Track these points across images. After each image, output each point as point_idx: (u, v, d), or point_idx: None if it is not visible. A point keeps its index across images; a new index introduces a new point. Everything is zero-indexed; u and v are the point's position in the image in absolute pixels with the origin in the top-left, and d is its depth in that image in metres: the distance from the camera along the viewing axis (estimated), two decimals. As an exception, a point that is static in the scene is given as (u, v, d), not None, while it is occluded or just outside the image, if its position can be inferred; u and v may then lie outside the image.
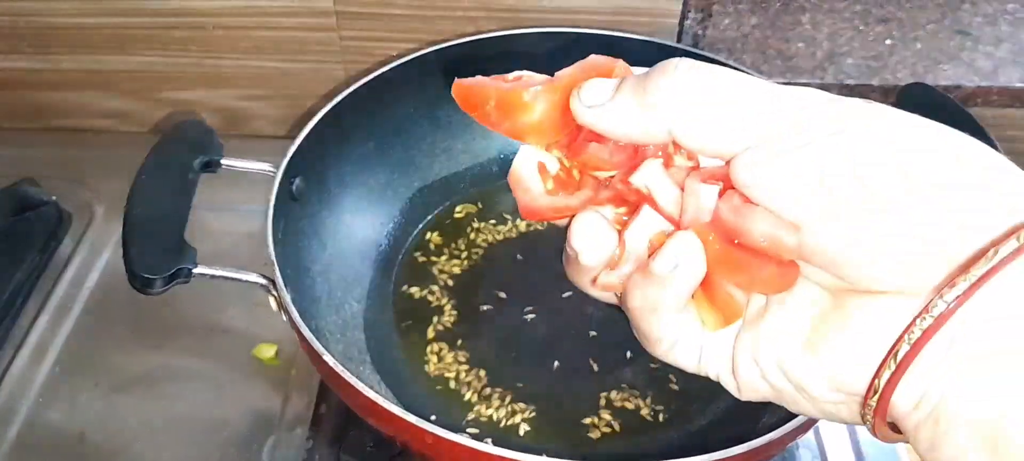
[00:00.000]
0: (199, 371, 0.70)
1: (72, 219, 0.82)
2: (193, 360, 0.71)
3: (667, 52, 0.71)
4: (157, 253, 0.51)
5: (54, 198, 0.81)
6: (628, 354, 0.65)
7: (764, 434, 0.46)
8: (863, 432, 0.62)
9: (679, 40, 0.83)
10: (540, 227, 0.74)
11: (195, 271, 0.52)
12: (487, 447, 0.44)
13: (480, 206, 0.76)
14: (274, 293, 0.53)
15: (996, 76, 0.90)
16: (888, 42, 0.95)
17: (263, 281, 0.53)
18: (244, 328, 0.72)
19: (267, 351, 0.70)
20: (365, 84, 0.67)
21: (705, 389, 0.45)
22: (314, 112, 0.65)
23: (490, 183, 0.76)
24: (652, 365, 0.64)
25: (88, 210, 0.83)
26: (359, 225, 0.69)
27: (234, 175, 0.62)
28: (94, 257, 0.79)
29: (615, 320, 0.52)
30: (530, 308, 0.68)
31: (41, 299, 0.74)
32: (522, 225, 0.75)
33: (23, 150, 0.85)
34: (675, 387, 0.63)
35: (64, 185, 0.84)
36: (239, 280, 0.53)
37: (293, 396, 0.67)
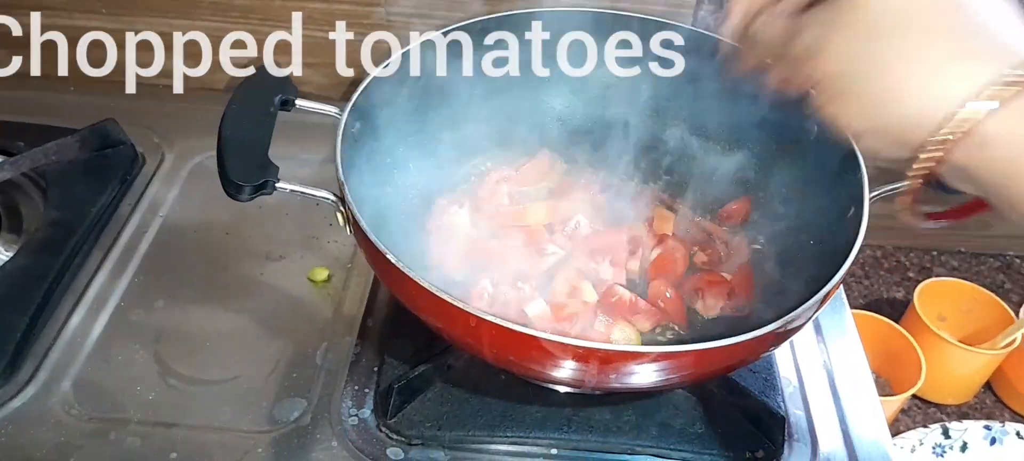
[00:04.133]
0: (260, 290, 0.79)
1: (145, 160, 0.92)
2: (254, 282, 0.80)
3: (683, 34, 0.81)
4: (246, 166, 0.61)
5: (130, 140, 0.91)
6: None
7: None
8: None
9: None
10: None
11: (278, 185, 0.61)
12: (529, 329, 0.53)
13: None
14: (342, 208, 0.63)
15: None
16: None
17: (333, 197, 0.63)
18: (299, 258, 0.82)
19: (320, 274, 0.80)
20: (417, 47, 0.77)
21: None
22: (359, 81, 0.74)
23: (516, 142, 0.85)
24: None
25: (159, 154, 0.94)
26: (406, 167, 0.79)
27: (297, 133, 0.71)
28: (165, 192, 0.89)
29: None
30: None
31: (120, 224, 0.84)
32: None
33: (104, 98, 0.95)
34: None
35: (138, 131, 0.94)
36: (314, 195, 0.63)
37: (343, 311, 0.77)
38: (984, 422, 0.94)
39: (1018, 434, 0.93)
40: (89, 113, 0.92)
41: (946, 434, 0.93)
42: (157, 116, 0.98)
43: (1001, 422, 0.94)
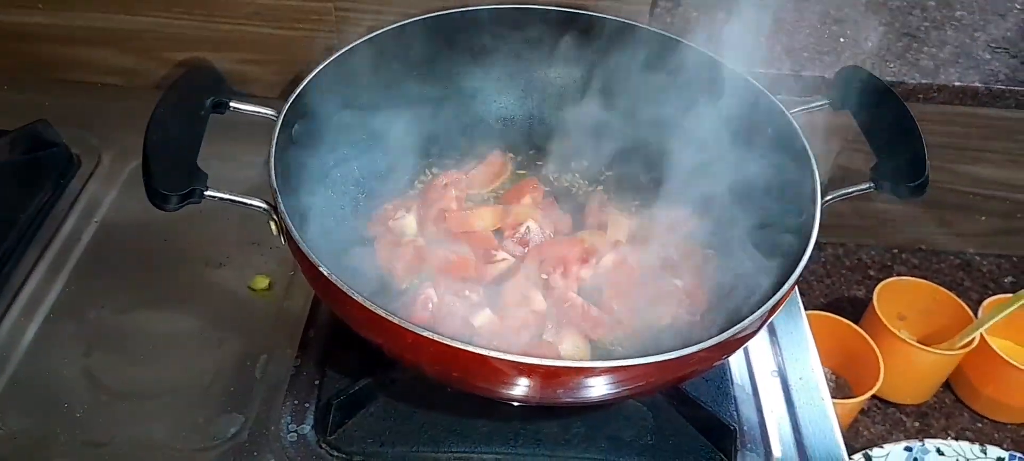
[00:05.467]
0: (198, 299, 0.76)
1: (81, 162, 0.88)
2: (192, 290, 0.77)
3: (638, 34, 0.79)
4: (173, 174, 0.58)
5: (64, 142, 0.87)
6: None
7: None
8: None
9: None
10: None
11: (206, 193, 0.59)
12: (471, 346, 0.51)
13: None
14: (275, 217, 0.60)
15: (937, 75, 0.99)
16: (842, 40, 1.03)
17: (265, 206, 0.60)
18: (240, 264, 0.79)
19: (261, 283, 0.77)
20: (360, 44, 0.74)
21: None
22: (305, 78, 0.71)
23: (464, 144, 0.84)
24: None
25: (95, 154, 0.90)
26: (349, 170, 0.76)
27: (238, 131, 0.68)
28: (102, 195, 0.85)
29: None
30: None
31: (53, 229, 0.81)
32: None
33: (37, 97, 0.91)
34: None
35: (74, 131, 0.90)
36: (245, 204, 0.60)
37: (284, 321, 0.74)
38: (905, 444, 0.93)
39: (938, 451, 0.92)
40: (22, 112, 0.88)
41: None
42: (96, 116, 0.95)
43: (920, 440, 0.93)
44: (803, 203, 0.64)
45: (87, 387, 0.68)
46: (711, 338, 0.54)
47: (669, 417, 0.68)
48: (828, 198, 0.64)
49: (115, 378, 0.69)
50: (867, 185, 0.65)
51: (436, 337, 0.52)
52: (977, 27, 1.07)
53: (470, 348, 0.51)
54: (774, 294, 0.58)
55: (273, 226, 0.61)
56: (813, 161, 0.66)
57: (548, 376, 0.54)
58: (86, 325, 0.73)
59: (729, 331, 0.55)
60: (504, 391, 0.57)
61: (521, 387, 0.55)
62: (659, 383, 0.61)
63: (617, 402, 0.67)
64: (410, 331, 0.52)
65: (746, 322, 0.55)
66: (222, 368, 0.70)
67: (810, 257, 0.60)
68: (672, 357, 0.52)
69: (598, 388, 0.56)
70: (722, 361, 0.71)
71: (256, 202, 0.60)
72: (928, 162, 0.64)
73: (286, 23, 0.97)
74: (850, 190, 0.65)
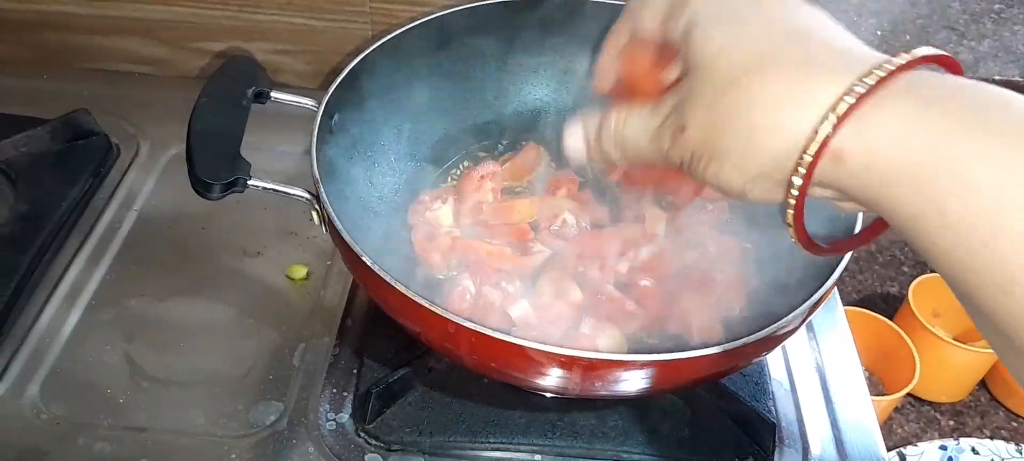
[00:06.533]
0: (237, 287, 0.77)
1: (120, 151, 0.89)
2: (231, 279, 0.78)
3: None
4: (217, 163, 0.58)
5: (103, 130, 0.88)
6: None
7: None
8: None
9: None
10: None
11: (250, 182, 0.59)
12: (510, 337, 0.51)
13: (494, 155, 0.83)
14: (317, 206, 0.60)
15: (977, 68, 0.98)
16: (879, 33, 1.02)
17: (307, 195, 0.61)
18: (277, 254, 0.80)
19: (299, 272, 0.77)
20: (397, 35, 0.74)
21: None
22: (340, 70, 0.71)
23: (499, 136, 0.84)
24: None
25: (134, 144, 0.91)
26: (387, 161, 0.76)
27: (276, 122, 0.68)
28: (141, 184, 0.86)
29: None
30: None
31: (93, 218, 0.82)
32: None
33: (75, 86, 0.92)
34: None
35: (111, 120, 0.91)
36: (288, 193, 0.60)
37: (322, 310, 0.74)
38: (939, 442, 0.92)
39: (973, 450, 0.91)
40: (62, 101, 0.89)
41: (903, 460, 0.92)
42: (133, 105, 0.95)
43: (955, 439, 0.92)
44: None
45: (128, 374, 0.69)
46: (751, 334, 0.53)
47: (707, 411, 0.67)
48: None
49: (155, 365, 0.70)
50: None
51: (476, 327, 0.52)
52: (1016, 21, 1.06)
53: (509, 338, 0.51)
54: (815, 291, 0.57)
55: (315, 216, 0.61)
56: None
57: (587, 368, 0.53)
58: (126, 313, 0.74)
59: (769, 328, 0.54)
60: (541, 382, 0.57)
61: (559, 379, 0.55)
62: (697, 378, 0.60)
63: (655, 396, 0.67)
64: (451, 320, 0.52)
65: (786, 319, 0.55)
66: (260, 356, 0.71)
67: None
68: (711, 352, 0.52)
69: (636, 382, 0.56)
70: (761, 358, 0.70)
71: (299, 191, 0.61)
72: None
73: (320, 14, 0.97)
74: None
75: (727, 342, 0.52)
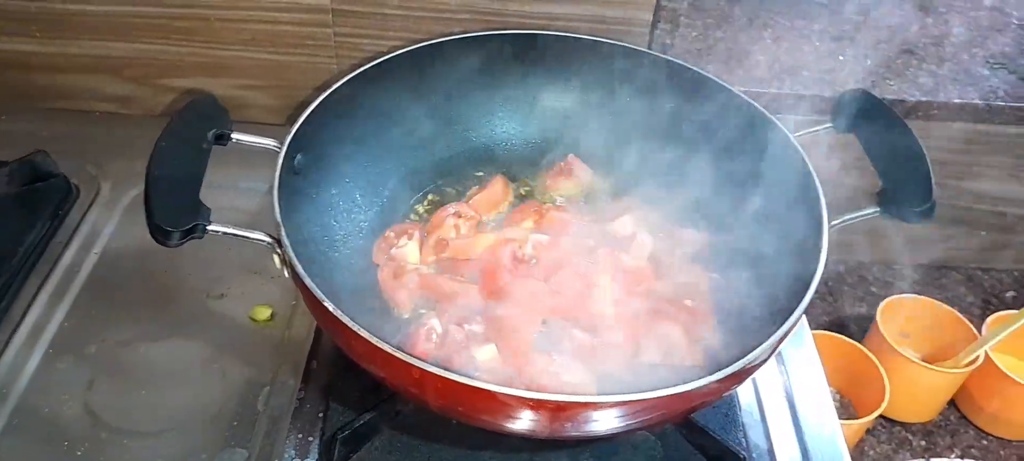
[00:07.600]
0: (199, 330, 0.75)
1: (79, 192, 0.87)
2: (194, 321, 0.76)
3: (636, 57, 0.79)
4: (175, 209, 0.57)
5: (62, 172, 0.87)
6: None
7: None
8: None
9: (649, 47, 0.90)
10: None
11: (209, 227, 0.58)
12: (477, 382, 0.50)
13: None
14: (279, 251, 0.59)
15: (936, 92, 0.99)
16: (841, 58, 1.03)
17: (268, 239, 0.60)
18: (240, 294, 0.78)
19: (263, 313, 0.76)
20: (361, 73, 0.74)
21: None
22: (307, 103, 0.71)
23: (464, 169, 0.84)
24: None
25: (95, 185, 0.89)
26: (352, 198, 0.76)
27: (239, 158, 0.68)
28: (101, 226, 0.84)
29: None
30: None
31: (52, 261, 0.80)
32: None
33: (34, 126, 0.90)
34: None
35: (72, 161, 0.89)
36: (248, 238, 0.59)
37: (286, 351, 0.73)
38: None
39: None
40: (21, 143, 0.87)
41: None
42: (95, 144, 0.94)
43: (927, 459, 0.93)
44: (810, 227, 0.64)
45: (89, 424, 0.67)
46: (720, 370, 0.53)
47: (678, 446, 0.67)
48: (834, 223, 0.64)
49: (116, 414, 0.68)
50: (873, 210, 0.65)
51: (442, 372, 0.51)
52: (975, 43, 1.08)
53: (475, 383, 0.51)
54: (783, 322, 0.57)
55: (277, 259, 0.60)
56: (819, 187, 0.65)
57: (555, 411, 0.53)
58: (87, 358, 0.72)
59: (739, 362, 0.54)
60: (510, 425, 0.56)
61: (528, 421, 0.55)
62: (668, 415, 0.60)
63: (626, 434, 0.67)
64: (416, 367, 0.51)
65: (756, 352, 0.55)
66: (225, 401, 0.69)
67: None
68: (681, 390, 0.52)
69: (606, 422, 0.55)
70: (731, 391, 0.70)
71: (260, 236, 0.60)
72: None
73: (284, 49, 0.97)
74: (856, 215, 0.65)
75: (694, 380, 0.52)
